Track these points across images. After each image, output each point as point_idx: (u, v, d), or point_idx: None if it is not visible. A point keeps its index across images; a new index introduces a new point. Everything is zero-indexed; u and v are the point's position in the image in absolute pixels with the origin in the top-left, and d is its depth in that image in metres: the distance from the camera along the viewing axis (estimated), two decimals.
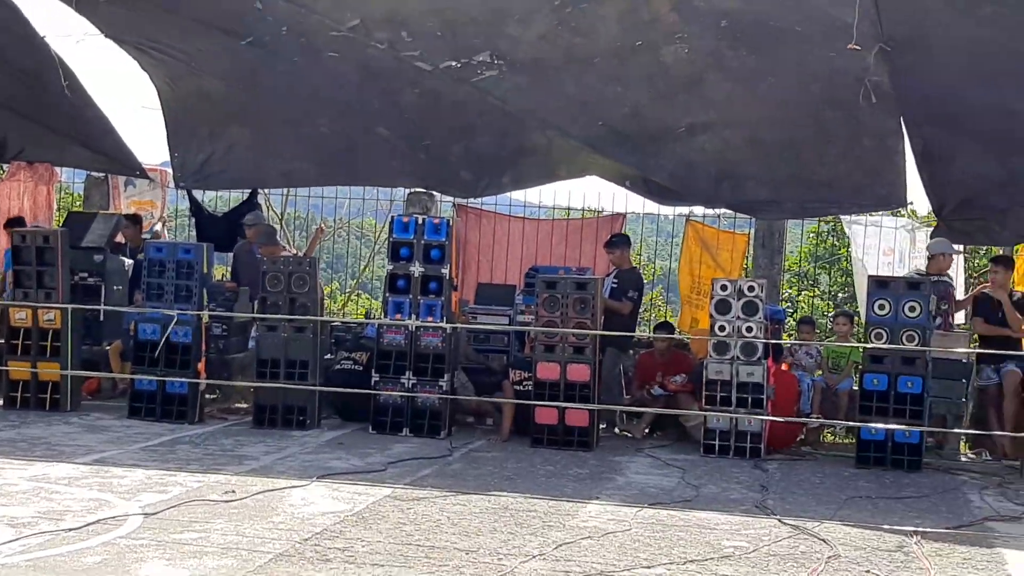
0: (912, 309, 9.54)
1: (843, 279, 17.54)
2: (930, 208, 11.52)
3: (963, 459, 10.20)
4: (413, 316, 9.95)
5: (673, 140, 11.05)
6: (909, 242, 13.35)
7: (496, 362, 10.96)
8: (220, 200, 14.77)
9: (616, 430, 10.77)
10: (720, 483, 8.38)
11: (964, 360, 10.15)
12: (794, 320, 14.37)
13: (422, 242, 10.04)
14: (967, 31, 8.89)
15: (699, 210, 13.13)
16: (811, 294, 17.77)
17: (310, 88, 11.39)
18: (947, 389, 9.97)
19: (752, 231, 12.88)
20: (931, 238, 11.37)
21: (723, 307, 9.70)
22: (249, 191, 13.44)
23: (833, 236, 17.65)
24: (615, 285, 10.90)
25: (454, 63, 10.40)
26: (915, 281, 10.02)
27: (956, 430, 10.11)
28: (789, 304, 16.48)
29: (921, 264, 12.09)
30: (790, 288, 17.24)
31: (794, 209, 12.07)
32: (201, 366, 10.10)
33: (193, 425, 9.85)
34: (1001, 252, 11.92)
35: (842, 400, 10.72)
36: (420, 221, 10.18)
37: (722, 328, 9.69)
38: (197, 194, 13.54)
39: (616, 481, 8.32)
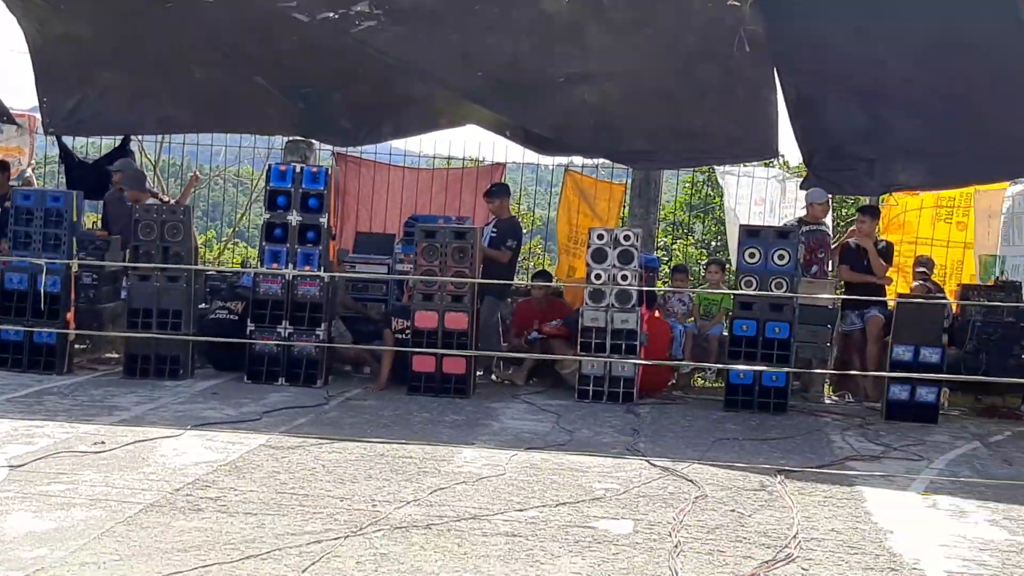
0: (781, 257, 9.82)
1: (716, 228, 17.88)
2: (801, 159, 11.79)
3: (827, 401, 10.55)
4: (290, 265, 9.89)
5: (553, 90, 11.07)
6: (780, 192, 13.68)
7: (374, 311, 10.95)
8: (92, 147, 14.40)
9: (493, 377, 10.87)
10: (593, 427, 8.55)
11: (830, 307, 10.47)
12: (668, 268, 14.62)
13: (300, 191, 9.96)
14: None
15: (578, 160, 13.30)
16: (685, 243, 18.07)
17: (185, 34, 11.10)
18: (813, 334, 10.26)
19: (629, 181, 13.02)
20: (801, 188, 11.63)
21: (599, 256, 9.85)
22: (122, 137, 13.12)
23: (707, 186, 17.96)
24: (494, 234, 10.96)
25: (331, 14, 10.24)
26: (784, 230, 10.31)
27: (820, 370, 10.44)
28: (664, 252, 16.75)
29: (795, 213, 12.38)
30: (665, 237, 17.51)
31: (670, 160, 12.22)
32: (70, 316, 9.88)
33: (62, 376, 9.66)
34: (868, 202, 12.28)
35: (713, 345, 10.99)
36: (298, 170, 10.10)
37: (598, 276, 9.84)
38: (67, 140, 13.20)
39: (491, 427, 8.42)
